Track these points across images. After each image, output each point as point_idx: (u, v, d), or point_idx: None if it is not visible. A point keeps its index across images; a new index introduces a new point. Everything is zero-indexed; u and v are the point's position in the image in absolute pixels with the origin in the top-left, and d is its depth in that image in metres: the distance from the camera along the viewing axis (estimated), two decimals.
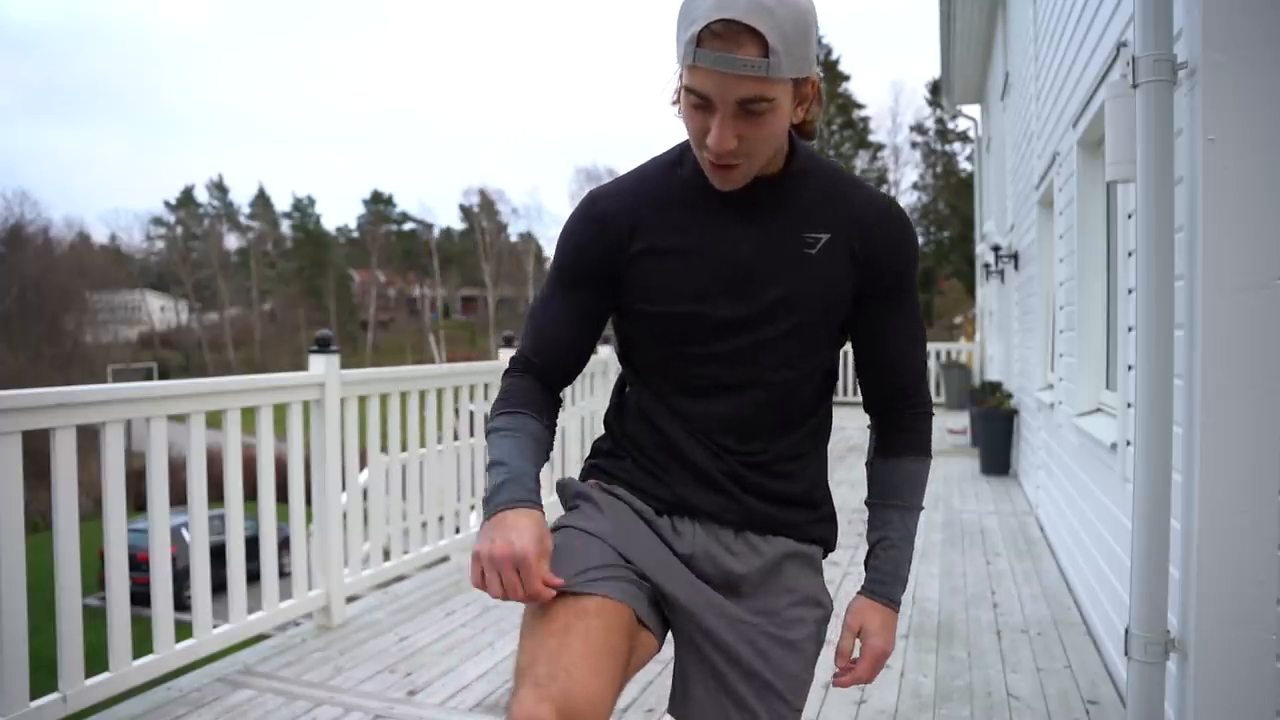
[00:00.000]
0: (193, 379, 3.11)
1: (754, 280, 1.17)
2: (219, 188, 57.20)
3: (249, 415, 3.14)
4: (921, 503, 1.32)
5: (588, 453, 1.36)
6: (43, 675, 2.41)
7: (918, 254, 1.24)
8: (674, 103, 1.11)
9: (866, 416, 1.35)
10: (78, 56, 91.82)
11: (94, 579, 11.52)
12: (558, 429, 1.30)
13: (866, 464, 1.34)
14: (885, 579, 1.27)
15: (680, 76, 1.07)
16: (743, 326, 1.17)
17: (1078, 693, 2.85)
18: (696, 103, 1.05)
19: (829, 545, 1.34)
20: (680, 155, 1.21)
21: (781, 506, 1.25)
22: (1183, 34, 1.98)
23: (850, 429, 10.20)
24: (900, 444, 1.30)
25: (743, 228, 1.17)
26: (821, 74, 1.13)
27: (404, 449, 4.18)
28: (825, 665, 3.25)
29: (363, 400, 3.82)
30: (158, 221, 56.82)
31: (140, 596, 2.59)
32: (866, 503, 1.33)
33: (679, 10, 1.04)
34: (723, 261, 1.16)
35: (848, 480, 6.69)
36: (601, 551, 1.17)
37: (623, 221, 1.19)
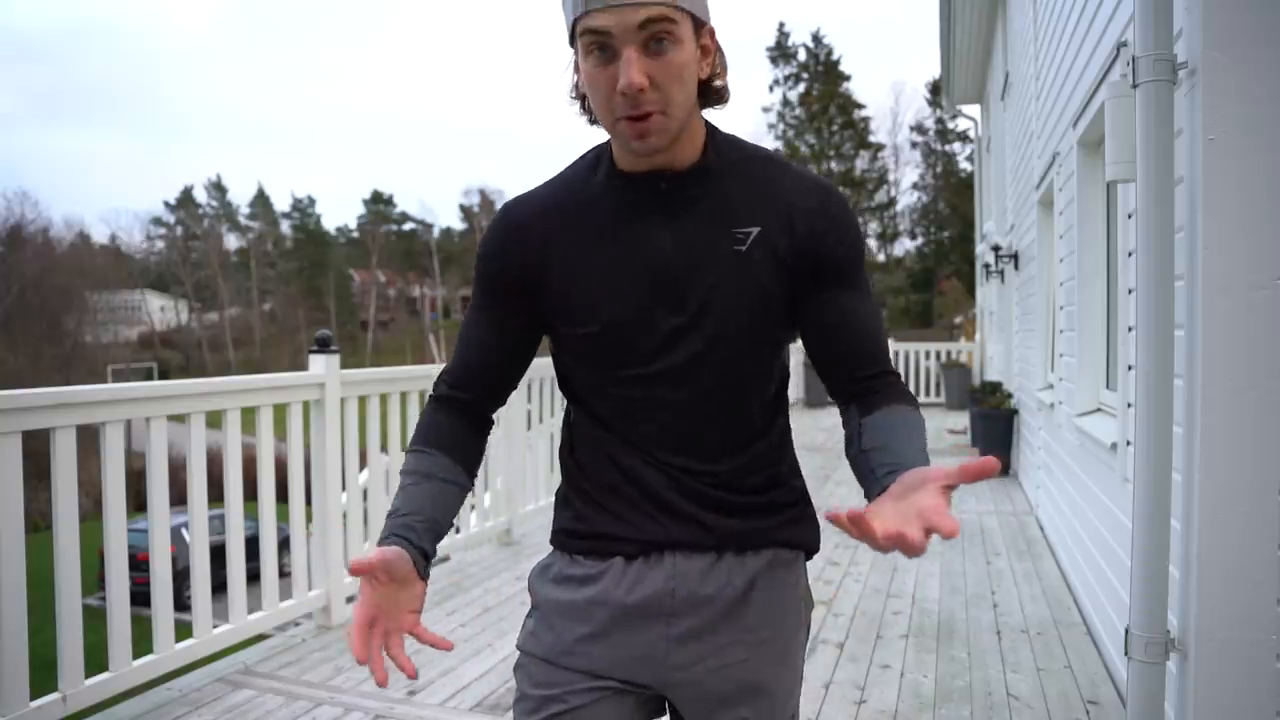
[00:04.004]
0: (193, 379, 3.11)
1: (683, 284, 1.07)
2: (218, 188, 57.24)
3: (249, 415, 3.14)
4: (925, 446, 1.09)
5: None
6: (43, 675, 2.41)
7: (860, 237, 1.14)
8: (575, 97, 1.07)
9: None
10: (81, 61, 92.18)
11: (94, 579, 11.51)
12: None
13: (848, 454, 1.12)
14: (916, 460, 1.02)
15: (575, 47, 1.03)
16: (678, 336, 1.08)
17: (1078, 693, 2.85)
18: (599, 50, 0.99)
19: (808, 546, 1.22)
20: (596, 157, 1.14)
21: (751, 518, 1.15)
22: (1183, 34, 1.98)
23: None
24: (883, 399, 1.11)
25: (666, 228, 1.08)
26: (716, 31, 1.09)
27: (404, 449, 4.17)
28: (825, 664, 3.22)
29: (363, 400, 3.82)
30: (158, 221, 56.87)
31: (140, 596, 2.60)
32: (859, 459, 1.09)
33: None
34: (647, 268, 1.08)
35: (848, 480, 6.69)
36: (563, 679, 1.14)
37: (536, 230, 1.12)
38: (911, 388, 13.16)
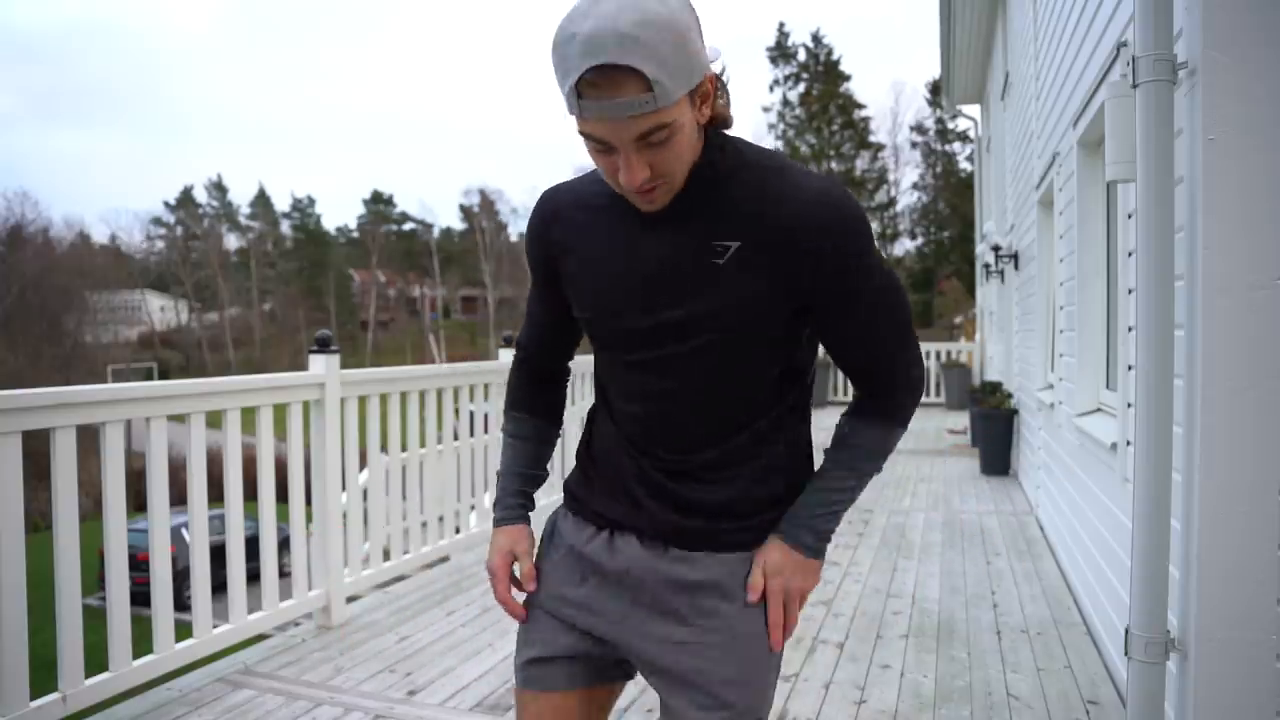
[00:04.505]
0: (193, 379, 3.11)
1: (660, 293, 1.14)
2: (218, 188, 57.23)
3: (249, 415, 3.14)
4: (871, 467, 1.25)
5: None
6: (43, 675, 2.41)
7: (860, 241, 1.10)
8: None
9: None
10: (81, 61, 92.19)
11: (94, 579, 11.52)
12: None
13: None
14: (794, 519, 1.22)
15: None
16: (651, 338, 1.16)
17: (1078, 693, 2.85)
18: (598, 147, 1.04)
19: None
20: None
21: (706, 519, 1.21)
22: (1183, 34, 1.98)
23: None
24: (870, 409, 1.24)
25: (651, 239, 1.14)
26: (721, 66, 1.11)
27: (404, 449, 4.18)
28: (826, 664, 3.22)
29: (363, 400, 3.82)
30: (158, 221, 56.86)
31: (140, 596, 2.60)
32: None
33: (551, 53, 0.99)
34: (630, 273, 1.15)
35: None
36: (546, 630, 1.29)
37: (560, 224, 1.23)
38: None
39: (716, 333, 1.12)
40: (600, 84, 0.96)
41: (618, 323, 1.18)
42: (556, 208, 1.24)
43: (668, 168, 1.04)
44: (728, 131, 1.15)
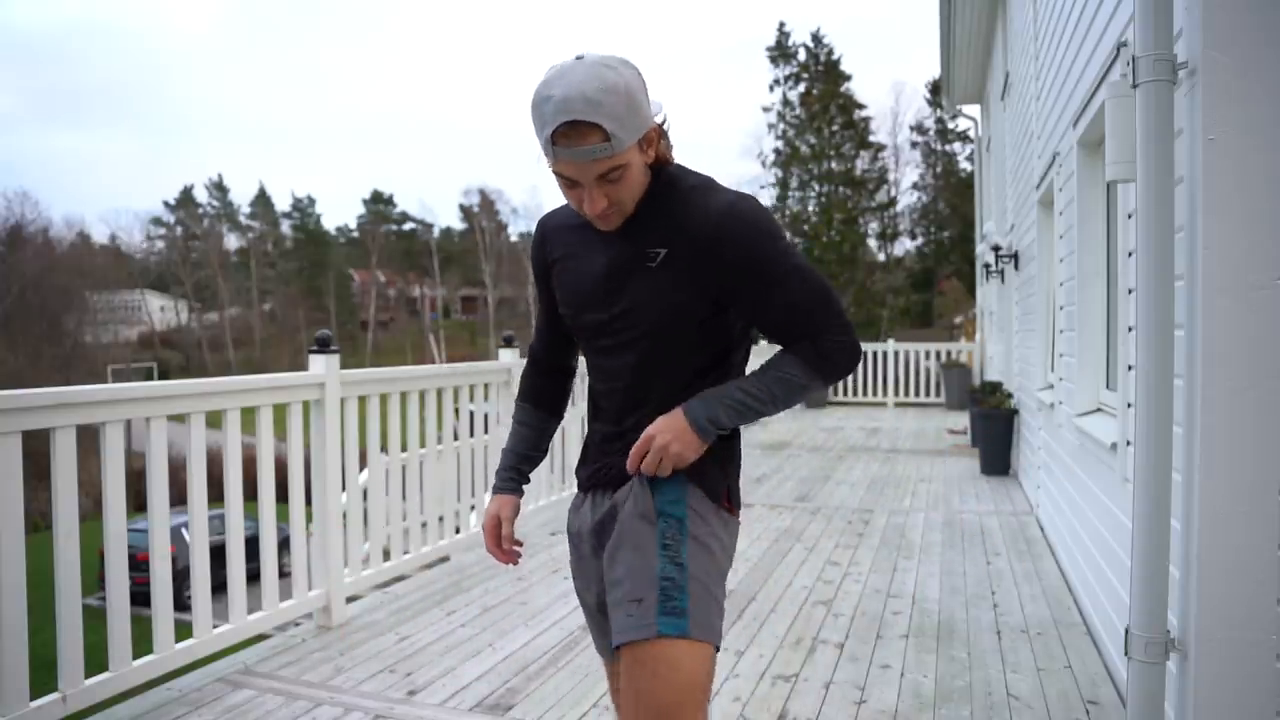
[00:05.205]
0: (193, 379, 3.11)
1: (609, 292, 1.46)
2: (219, 188, 57.16)
3: (249, 415, 3.14)
4: (781, 394, 1.44)
5: None
6: (43, 675, 2.41)
7: (765, 242, 1.38)
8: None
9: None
10: (81, 61, 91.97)
11: (94, 579, 11.51)
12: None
13: None
14: (698, 398, 1.43)
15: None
16: (604, 329, 1.48)
17: (1078, 693, 2.85)
18: (567, 183, 1.35)
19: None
20: None
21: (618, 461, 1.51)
22: (1183, 34, 1.98)
23: (849, 428, 10.20)
24: (802, 351, 1.44)
25: (604, 248, 1.46)
26: (663, 117, 1.41)
27: (404, 449, 4.18)
28: (826, 664, 3.21)
29: (363, 400, 3.82)
30: (158, 221, 56.76)
31: (140, 596, 2.60)
32: None
33: (531, 108, 1.29)
34: (589, 276, 1.48)
35: (847, 480, 6.70)
36: (601, 620, 1.57)
37: (551, 242, 1.57)
38: (911, 387, 13.36)
39: (651, 324, 1.42)
40: (570, 135, 1.28)
41: (586, 316, 1.50)
42: (552, 227, 1.58)
43: (620, 197, 1.36)
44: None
